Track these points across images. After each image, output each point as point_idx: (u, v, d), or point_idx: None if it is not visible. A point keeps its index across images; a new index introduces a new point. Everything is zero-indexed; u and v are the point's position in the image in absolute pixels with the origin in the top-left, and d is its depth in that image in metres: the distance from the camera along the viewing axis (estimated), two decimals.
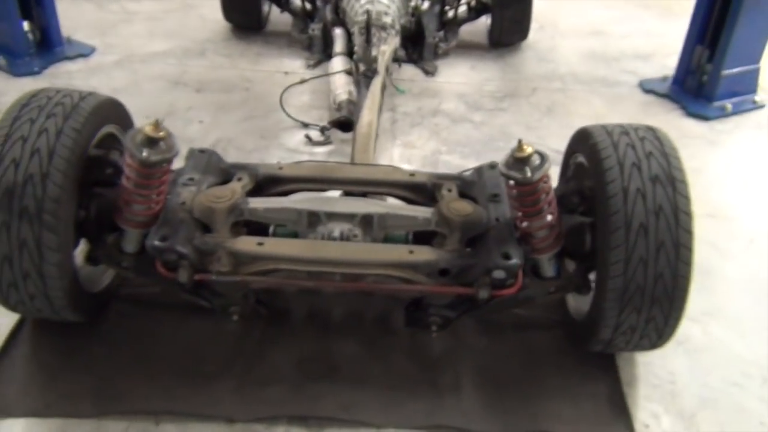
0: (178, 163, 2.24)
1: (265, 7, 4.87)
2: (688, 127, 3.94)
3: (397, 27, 4.10)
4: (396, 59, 4.11)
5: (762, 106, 4.13)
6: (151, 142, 2.00)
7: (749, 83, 4.13)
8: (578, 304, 2.37)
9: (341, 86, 3.64)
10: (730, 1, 3.85)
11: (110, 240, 2.22)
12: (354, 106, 3.50)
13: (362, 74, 3.52)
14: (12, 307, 2.14)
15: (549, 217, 2.12)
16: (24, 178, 1.94)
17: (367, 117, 3.09)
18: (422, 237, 2.28)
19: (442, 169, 3.33)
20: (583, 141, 2.24)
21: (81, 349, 2.28)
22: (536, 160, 2.01)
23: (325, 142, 3.58)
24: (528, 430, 2.11)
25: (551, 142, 3.61)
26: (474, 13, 4.72)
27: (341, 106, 3.52)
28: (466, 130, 3.77)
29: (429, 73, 4.38)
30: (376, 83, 3.41)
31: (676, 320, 2.04)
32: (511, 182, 2.07)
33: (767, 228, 3.10)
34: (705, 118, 3.98)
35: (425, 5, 4.66)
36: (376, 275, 2.13)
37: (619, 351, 2.29)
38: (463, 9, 4.73)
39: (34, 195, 1.94)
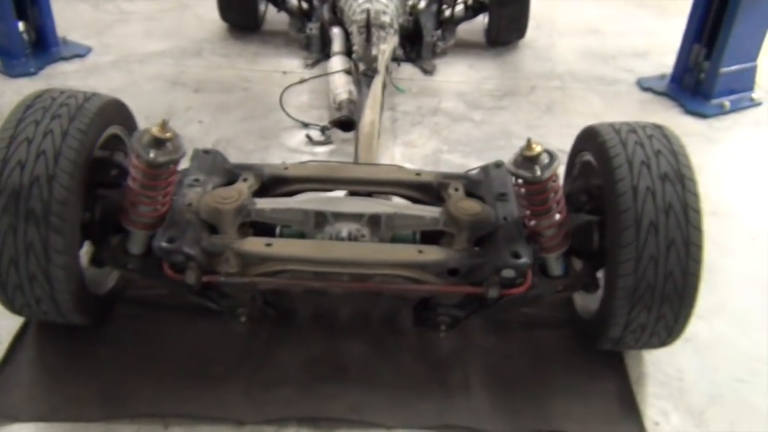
0: (181, 164, 2.22)
1: (262, 7, 4.84)
2: (687, 124, 3.95)
3: (396, 26, 4.09)
4: (395, 58, 4.10)
5: (759, 104, 4.15)
6: (158, 142, 1.99)
7: (746, 81, 4.15)
8: (585, 302, 2.37)
9: (341, 86, 3.62)
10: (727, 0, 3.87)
11: (115, 242, 2.21)
12: (354, 105, 3.50)
13: (362, 73, 3.51)
14: (17, 311, 2.12)
15: (557, 216, 2.12)
16: (30, 180, 1.92)
17: (369, 116, 3.08)
18: (429, 237, 2.27)
19: (444, 168, 3.33)
20: (590, 139, 2.24)
21: (87, 352, 2.26)
22: (545, 158, 2.01)
23: (326, 142, 3.57)
24: (539, 429, 2.10)
25: (552, 141, 3.61)
26: (471, 11, 4.72)
27: (341, 105, 3.51)
28: (466, 128, 3.77)
29: (427, 72, 4.37)
30: (377, 82, 3.39)
31: (686, 318, 2.05)
32: (520, 181, 2.07)
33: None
34: (703, 115, 4.00)
35: (422, 4, 4.65)
36: (384, 275, 2.11)
37: (628, 349, 2.30)
38: (460, 8, 4.73)
39: (40, 197, 1.92)
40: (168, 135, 2.00)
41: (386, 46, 3.77)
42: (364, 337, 2.39)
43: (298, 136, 3.61)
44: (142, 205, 2.11)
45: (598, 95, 4.23)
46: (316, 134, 3.59)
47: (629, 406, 2.18)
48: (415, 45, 4.53)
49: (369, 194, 2.44)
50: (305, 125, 3.67)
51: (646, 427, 2.13)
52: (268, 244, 2.11)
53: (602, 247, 2.18)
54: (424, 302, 2.27)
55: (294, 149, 3.51)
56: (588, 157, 2.29)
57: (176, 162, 2.05)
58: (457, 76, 4.37)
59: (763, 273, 2.83)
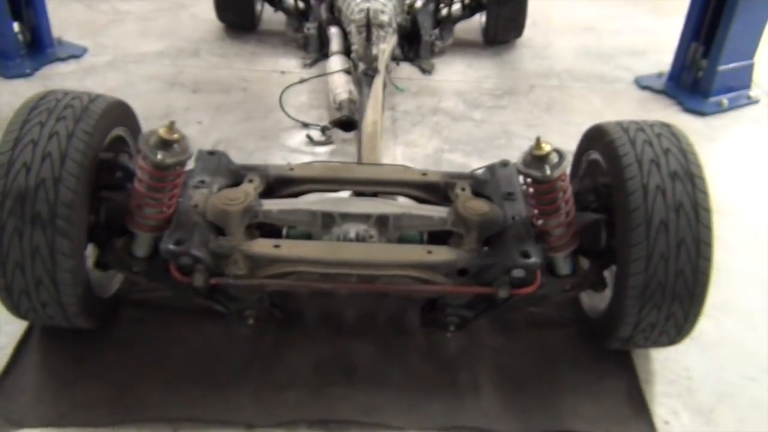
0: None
1: (258, 6, 4.82)
2: (686, 122, 3.95)
3: (394, 25, 4.08)
4: (394, 58, 4.08)
5: (757, 101, 4.16)
6: (165, 144, 1.97)
7: (744, 78, 4.16)
8: (593, 301, 2.37)
9: (341, 85, 3.61)
10: None
11: (119, 244, 2.18)
12: (355, 105, 3.49)
13: (363, 73, 3.49)
14: (22, 315, 2.09)
15: (566, 215, 2.11)
16: (36, 183, 1.90)
17: (371, 116, 3.07)
18: (436, 237, 2.26)
19: (446, 168, 3.31)
20: (598, 138, 2.23)
21: (93, 357, 2.24)
22: (555, 157, 2.00)
23: (327, 142, 3.55)
24: (549, 429, 2.10)
25: (553, 140, 3.57)
26: (469, 10, 4.71)
27: (342, 105, 3.50)
28: (466, 128, 3.76)
29: (426, 71, 4.36)
30: (378, 82, 3.38)
31: (696, 316, 2.05)
32: (528, 180, 2.07)
33: None
34: (702, 113, 4.01)
35: (419, 3, 4.65)
36: (394, 276, 2.10)
37: (637, 348, 2.30)
38: (457, 7, 4.73)
39: (46, 200, 1.89)
40: (175, 136, 1.98)
41: (386, 45, 3.76)
42: (372, 338, 2.38)
43: (299, 137, 3.59)
44: (148, 207, 2.09)
45: (596, 94, 4.23)
46: (316, 134, 3.57)
47: (639, 405, 2.18)
48: (413, 44, 4.52)
49: (374, 194, 2.43)
50: (305, 125, 3.65)
51: (656, 426, 2.13)
52: (277, 246, 2.09)
53: (610, 246, 2.18)
54: (431, 303, 2.26)
55: (295, 149, 3.50)
56: (595, 155, 2.29)
57: (183, 163, 2.03)
58: (456, 75, 4.36)
59: (767, 271, 2.83)
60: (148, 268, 2.16)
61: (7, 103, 3.67)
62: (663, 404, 2.21)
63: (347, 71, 3.74)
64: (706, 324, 2.46)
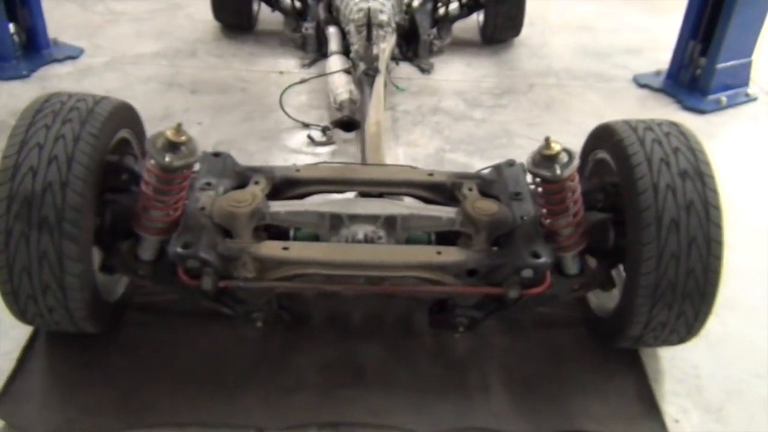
0: None
1: (255, 6, 4.80)
2: (685, 120, 3.87)
3: (393, 25, 4.07)
4: (393, 57, 4.07)
5: (755, 99, 4.18)
6: (173, 146, 1.95)
7: (742, 76, 4.18)
8: (600, 300, 2.37)
9: (341, 85, 3.60)
10: None
11: (125, 247, 2.16)
12: (355, 105, 3.48)
13: (363, 73, 3.47)
14: (28, 321, 2.07)
15: (575, 215, 2.11)
16: (43, 187, 1.87)
17: (374, 116, 3.06)
18: (444, 237, 2.25)
19: (448, 167, 3.30)
20: (605, 137, 2.23)
21: (99, 361, 2.21)
22: (564, 157, 2.00)
23: (328, 143, 3.54)
24: (561, 429, 2.09)
25: (554, 139, 3.62)
26: (466, 9, 4.72)
27: (343, 105, 3.48)
28: (467, 127, 3.75)
29: (425, 70, 4.36)
30: (380, 82, 3.37)
31: (706, 315, 2.05)
32: (537, 180, 2.06)
33: None
34: (701, 111, 4.02)
35: (416, 2, 4.64)
36: (403, 277, 2.09)
37: (647, 347, 2.29)
38: (454, 6, 4.72)
39: (53, 204, 1.87)
40: (183, 138, 1.96)
41: (386, 45, 3.75)
42: (379, 339, 2.37)
43: (300, 137, 3.58)
44: (155, 210, 2.07)
45: (595, 92, 4.24)
46: (317, 135, 3.56)
47: (649, 404, 2.18)
48: (411, 44, 4.51)
49: (380, 195, 2.42)
50: (306, 126, 3.63)
51: (666, 424, 2.12)
52: (285, 248, 2.08)
53: (618, 245, 2.18)
54: (439, 304, 2.25)
55: (296, 150, 3.48)
56: (602, 155, 2.28)
57: (191, 166, 2.02)
58: (455, 74, 4.36)
59: None
60: (154, 272, 2.15)
61: (4, 105, 3.64)
62: (672, 403, 2.21)
63: (347, 71, 3.72)
64: (711, 322, 2.45)
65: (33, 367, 2.17)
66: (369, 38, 3.51)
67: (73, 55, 4.22)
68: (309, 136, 3.55)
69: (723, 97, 4.08)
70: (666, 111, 4.03)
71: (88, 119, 2.00)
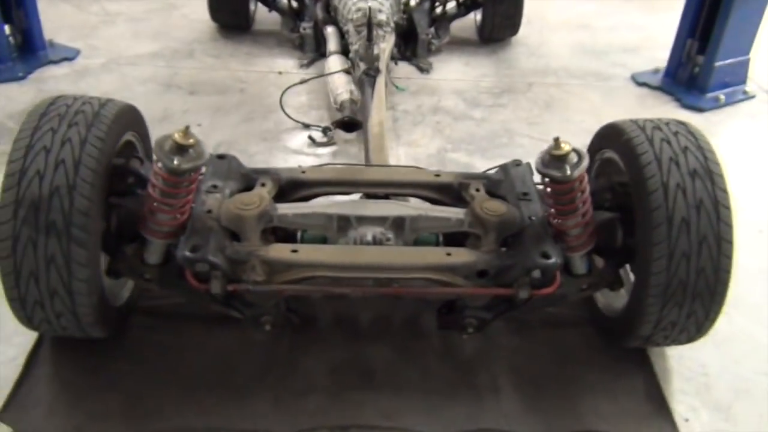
0: None
1: (251, 6, 4.78)
2: (684, 118, 3.91)
3: (392, 24, 4.06)
4: (392, 57, 4.06)
5: (753, 97, 4.20)
6: (181, 149, 1.93)
7: (740, 74, 4.20)
8: (608, 300, 2.37)
9: (342, 86, 3.58)
10: None
11: (130, 251, 2.15)
12: (356, 105, 3.46)
13: (364, 73, 3.46)
14: (35, 327, 2.04)
15: (584, 215, 2.11)
16: (50, 191, 1.85)
17: (376, 116, 3.05)
18: (451, 238, 2.24)
19: (450, 167, 3.30)
20: (613, 137, 2.23)
21: (105, 366, 2.19)
22: (574, 157, 1.99)
23: (329, 143, 3.52)
24: (572, 429, 2.09)
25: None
26: (464, 8, 4.71)
27: (343, 106, 3.47)
28: (468, 127, 3.75)
29: (424, 70, 4.35)
30: (381, 82, 3.36)
31: (716, 314, 2.05)
32: (546, 180, 2.05)
33: None
34: (700, 109, 4.04)
35: (413, 1, 4.63)
36: (413, 279, 2.08)
37: (656, 346, 2.29)
38: (452, 5, 4.72)
39: (61, 208, 1.85)
40: (191, 141, 1.94)
41: (386, 44, 3.74)
42: (388, 341, 2.36)
43: (300, 138, 3.56)
44: (162, 214, 2.04)
45: (594, 91, 4.24)
46: (318, 135, 3.54)
47: (659, 403, 2.18)
48: (409, 43, 4.50)
49: (386, 196, 2.41)
50: (306, 126, 3.62)
51: (677, 423, 2.13)
52: (294, 251, 2.06)
53: (626, 245, 2.18)
54: (448, 305, 2.24)
55: (297, 151, 3.47)
56: (610, 154, 2.28)
57: (198, 169, 2.00)
58: (454, 74, 4.35)
59: None
60: (160, 276, 2.13)
61: (1, 108, 3.61)
62: (681, 402, 2.21)
63: (347, 71, 3.71)
64: (719, 320, 2.48)
65: (39, 373, 2.15)
66: (370, 38, 3.50)
67: (70, 56, 4.19)
68: (310, 137, 3.53)
69: (721, 95, 4.09)
70: (665, 109, 4.04)
71: (94, 122, 1.98)
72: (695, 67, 4.16)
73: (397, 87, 3.97)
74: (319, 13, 4.41)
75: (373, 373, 2.24)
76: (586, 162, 1.98)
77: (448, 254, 2.08)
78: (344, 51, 4.01)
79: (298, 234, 2.24)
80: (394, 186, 2.40)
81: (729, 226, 1.97)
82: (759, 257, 2.91)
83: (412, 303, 2.46)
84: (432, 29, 4.55)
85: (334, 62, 3.85)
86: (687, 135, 2.11)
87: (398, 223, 2.19)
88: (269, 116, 3.71)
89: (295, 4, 4.62)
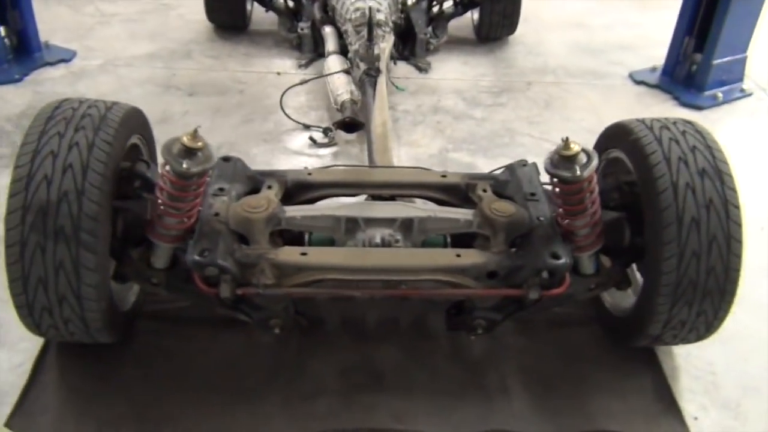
0: None
1: (248, 6, 4.75)
2: (683, 116, 3.96)
3: (391, 24, 4.05)
4: (391, 57, 4.05)
5: (750, 94, 4.22)
6: (189, 152, 1.92)
7: (737, 72, 4.22)
8: (615, 299, 2.37)
9: (342, 86, 3.57)
10: None
11: (136, 255, 2.13)
12: (357, 106, 3.45)
13: (365, 73, 3.45)
14: (42, 333, 2.02)
15: (592, 215, 2.10)
16: (58, 196, 1.83)
17: (379, 117, 3.04)
18: (459, 239, 2.24)
19: (452, 167, 3.30)
20: (621, 136, 2.23)
21: (113, 372, 2.18)
22: (583, 157, 1.98)
23: (330, 144, 3.51)
24: (583, 429, 2.09)
25: (555, 136, 3.58)
26: (461, 7, 4.71)
27: (344, 106, 3.46)
28: (468, 126, 3.75)
29: (422, 69, 4.35)
30: (382, 82, 3.35)
31: (725, 312, 2.06)
32: (555, 180, 2.05)
33: None
34: (698, 107, 4.06)
35: (410, 0, 4.62)
36: (422, 280, 2.07)
37: (665, 345, 2.30)
38: (449, 4, 4.71)
39: (69, 213, 1.83)
40: (199, 144, 1.93)
41: (385, 44, 3.73)
42: (395, 342, 2.36)
43: (301, 139, 3.55)
44: (170, 217, 2.03)
45: (593, 89, 4.25)
46: (319, 136, 3.53)
47: (668, 402, 2.19)
48: (407, 43, 4.49)
49: (392, 197, 2.40)
50: (307, 127, 3.60)
51: (686, 422, 2.13)
52: (304, 254, 2.05)
53: (633, 244, 2.18)
54: (457, 306, 2.24)
55: (298, 152, 3.45)
56: (617, 154, 2.28)
57: (207, 172, 1.98)
58: (453, 73, 4.35)
59: None
60: (167, 280, 2.11)
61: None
62: (690, 400, 2.22)
63: (347, 71, 3.70)
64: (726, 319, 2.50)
65: (46, 379, 2.13)
66: (370, 38, 3.48)
67: (66, 58, 4.15)
68: (311, 138, 3.52)
69: (719, 93, 4.11)
70: (663, 107, 4.05)
71: (101, 126, 1.96)
72: (693, 65, 4.18)
73: (396, 87, 3.96)
74: (317, 12, 4.40)
75: (382, 375, 2.23)
76: (595, 162, 1.98)
77: (458, 256, 2.08)
78: (343, 51, 3.99)
79: (306, 236, 2.23)
80: (401, 187, 2.39)
81: (738, 225, 1.98)
82: (761, 255, 2.92)
83: (419, 304, 2.45)
84: (429, 28, 4.55)
85: (334, 62, 3.84)
86: (695, 134, 2.11)
87: (406, 225, 2.18)
88: (269, 117, 3.70)
89: (291, 4, 4.60)
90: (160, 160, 1.97)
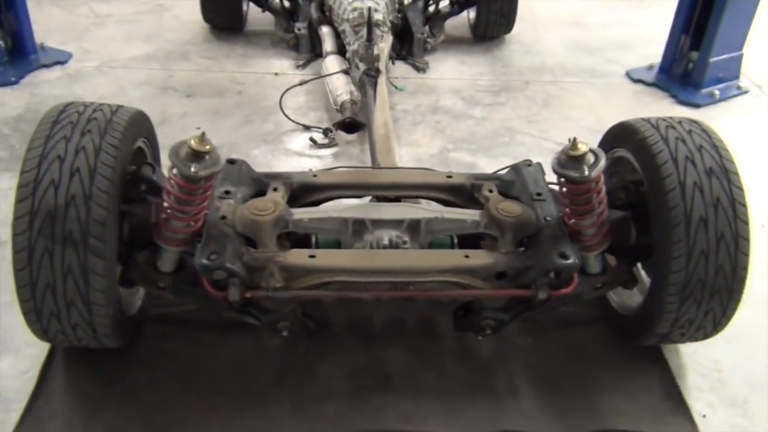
0: None
1: (244, 7, 4.73)
2: (681, 114, 3.98)
3: (388, 24, 4.04)
4: (389, 57, 4.05)
5: (746, 92, 4.25)
6: (197, 155, 1.91)
7: (733, 69, 4.24)
8: (622, 298, 2.38)
9: (341, 86, 3.57)
10: None
11: (142, 259, 2.12)
12: (356, 106, 3.45)
13: (364, 73, 3.45)
14: (50, 339, 2.01)
15: (599, 215, 2.11)
16: (66, 201, 1.81)
17: (381, 118, 3.04)
18: (465, 240, 2.24)
19: (453, 167, 3.30)
20: (626, 136, 2.23)
21: (120, 377, 2.16)
22: (591, 157, 1.99)
23: (330, 145, 3.50)
24: (593, 429, 2.09)
25: (554, 135, 3.65)
26: (458, 6, 4.71)
27: (344, 107, 3.45)
28: (468, 126, 3.75)
29: (420, 69, 4.34)
30: (382, 82, 3.35)
31: (733, 311, 2.07)
32: (562, 180, 2.05)
33: None
34: (696, 105, 4.07)
35: (407, 0, 4.62)
36: (431, 282, 2.07)
37: (672, 343, 2.31)
38: (445, 3, 4.71)
39: (77, 218, 1.81)
40: (207, 147, 1.92)
41: (384, 44, 3.73)
42: (403, 343, 2.35)
43: (301, 139, 3.54)
44: (177, 221, 2.01)
45: (590, 88, 4.26)
46: (319, 137, 3.52)
47: (676, 400, 2.19)
48: (404, 42, 4.49)
49: (396, 198, 2.39)
50: (307, 128, 3.59)
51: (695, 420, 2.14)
52: (312, 256, 2.04)
53: (639, 243, 2.19)
54: (464, 307, 2.24)
55: (299, 153, 3.44)
56: (622, 153, 2.29)
57: (215, 175, 1.97)
58: (450, 72, 4.35)
59: None
60: (174, 283, 2.10)
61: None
62: (698, 398, 2.23)
63: (345, 72, 3.69)
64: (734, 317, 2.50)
65: (53, 385, 2.11)
66: (370, 38, 3.48)
67: (62, 59, 4.12)
68: (311, 139, 3.51)
69: (716, 91, 4.13)
70: (661, 105, 4.07)
71: (107, 130, 1.94)
72: (689, 63, 4.19)
73: (396, 87, 3.96)
74: (314, 12, 4.38)
75: (390, 377, 2.23)
76: (603, 162, 1.98)
77: (467, 257, 2.08)
78: (340, 51, 3.99)
79: (313, 238, 2.22)
80: (407, 188, 2.39)
81: (746, 223, 1.99)
82: (762, 252, 2.93)
83: (425, 305, 2.45)
84: (426, 28, 4.54)
85: (332, 63, 3.83)
86: (701, 133, 2.12)
87: (414, 226, 2.18)
88: (269, 118, 3.68)
89: (287, 5, 4.58)
90: (164, 162, 1.96)
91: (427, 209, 2.25)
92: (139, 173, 2.14)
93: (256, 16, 4.76)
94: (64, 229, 1.81)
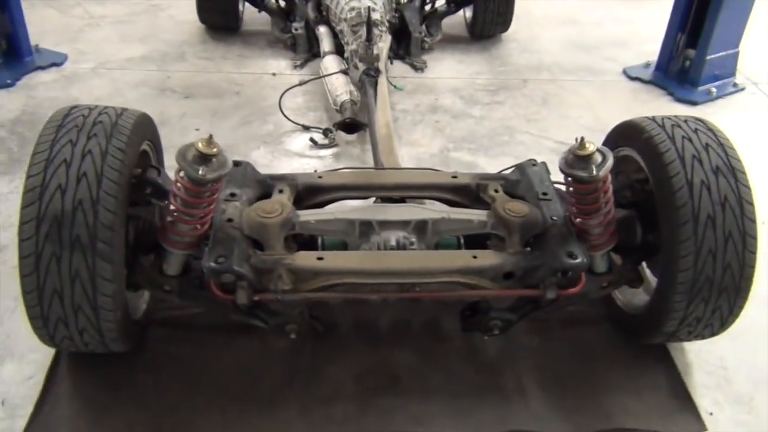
0: None
1: (240, 7, 4.71)
2: (679, 112, 4.00)
3: (386, 23, 4.04)
4: (388, 56, 4.04)
5: (743, 89, 4.26)
6: (204, 158, 1.89)
7: (730, 67, 4.26)
8: (627, 297, 2.38)
9: (340, 86, 3.56)
10: None
11: (148, 263, 2.10)
12: (356, 106, 3.44)
13: (364, 73, 3.44)
14: (56, 344, 1.99)
15: (606, 214, 2.11)
16: (73, 206, 1.80)
17: (382, 118, 3.04)
18: (471, 240, 2.24)
19: (454, 166, 3.31)
20: (632, 135, 2.23)
21: (126, 381, 2.15)
22: (599, 157, 1.99)
23: (330, 145, 3.49)
24: (601, 428, 2.10)
25: (554, 134, 3.65)
26: (455, 5, 4.71)
27: (344, 107, 3.45)
28: (468, 125, 3.74)
29: (418, 68, 4.34)
30: (383, 82, 3.35)
31: (740, 309, 2.08)
32: (569, 180, 2.05)
33: None
34: (693, 103, 4.09)
35: None
36: (440, 283, 2.06)
37: (679, 341, 2.31)
38: (442, 2, 4.71)
39: (85, 223, 1.79)
40: (214, 150, 1.90)
41: (383, 44, 3.72)
42: (410, 344, 2.35)
43: (301, 140, 3.52)
44: (183, 224, 2.00)
45: (588, 86, 4.27)
46: (319, 137, 3.51)
47: (683, 398, 2.20)
48: (402, 42, 4.48)
49: (401, 199, 2.39)
50: (306, 128, 3.58)
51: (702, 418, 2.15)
52: (320, 258, 2.04)
53: (645, 242, 2.19)
54: (471, 307, 2.24)
55: (299, 153, 3.43)
56: (627, 152, 2.29)
57: (222, 178, 1.96)
58: (448, 71, 4.35)
59: None
60: (180, 287, 2.09)
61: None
62: (704, 396, 2.23)
63: (345, 72, 3.68)
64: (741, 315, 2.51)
65: (59, 390, 2.09)
66: (369, 38, 3.47)
67: (57, 61, 4.09)
68: (311, 139, 3.50)
69: (713, 88, 4.15)
70: (659, 103, 4.08)
71: (113, 133, 1.93)
72: (686, 61, 4.21)
73: (395, 86, 3.95)
74: (311, 12, 4.37)
75: (398, 378, 2.22)
76: (610, 161, 1.98)
77: (475, 257, 2.07)
78: (338, 51, 3.98)
79: (319, 240, 2.21)
80: (412, 189, 2.38)
81: (753, 221, 2.00)
82: (764, 249, 2.94)
83: (432, 306, 2.45)
84: (423, 27, 4.54)
85: (331, 63, 3.82)
86: (707, 132, 2.13)
87: (420, 227, 2.17)
88: (268, 119, 3.67)
89: (284, 4, 4.57)
90: (167, 164, 1.94)
91: (433, 210, 2.24)
92: (144, 176, 2.13)
93: (252, 16, 4.74)
94: (71, 233, 1.79)
